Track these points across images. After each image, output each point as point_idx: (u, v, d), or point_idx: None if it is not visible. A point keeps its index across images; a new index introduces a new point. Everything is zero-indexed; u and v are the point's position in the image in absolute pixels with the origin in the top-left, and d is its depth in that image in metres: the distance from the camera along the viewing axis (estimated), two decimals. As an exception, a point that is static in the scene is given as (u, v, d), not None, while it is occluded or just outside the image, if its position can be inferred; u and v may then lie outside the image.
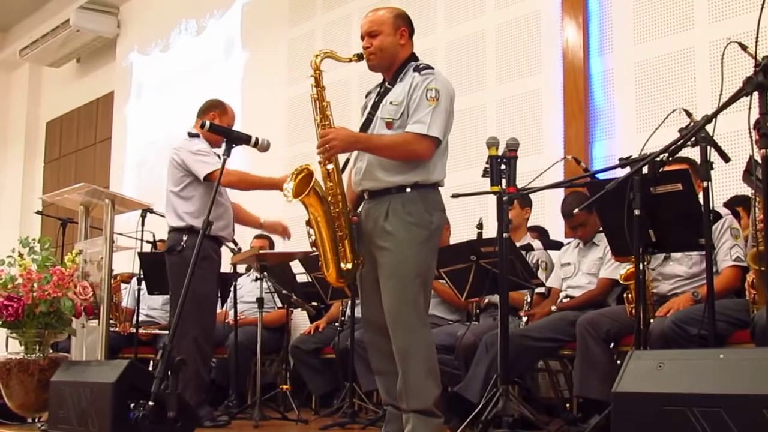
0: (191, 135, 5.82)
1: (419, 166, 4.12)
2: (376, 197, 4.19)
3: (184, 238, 5.60)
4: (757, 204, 3.78)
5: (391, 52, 4.23)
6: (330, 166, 4.13)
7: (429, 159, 4.13)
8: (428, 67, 4.23)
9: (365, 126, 4.27)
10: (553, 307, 5.55)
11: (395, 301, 4.08)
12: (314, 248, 4.24)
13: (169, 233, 5.79)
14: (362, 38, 4.28)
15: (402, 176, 4.12)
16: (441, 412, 4.12)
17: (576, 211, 5.07)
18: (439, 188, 4.26)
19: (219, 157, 4.71)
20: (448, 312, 6.29)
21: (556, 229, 6.55)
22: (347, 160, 4.43)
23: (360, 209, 4.29)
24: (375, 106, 4.28)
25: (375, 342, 4.30)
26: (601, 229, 5.24)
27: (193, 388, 5.50)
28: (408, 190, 4.11)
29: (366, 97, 4.47)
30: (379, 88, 4.37)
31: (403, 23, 4.29)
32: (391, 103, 4.19)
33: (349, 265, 4.14)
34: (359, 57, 4.24)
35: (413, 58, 4.31)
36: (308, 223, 4.18)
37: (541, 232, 6.43)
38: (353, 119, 4.47)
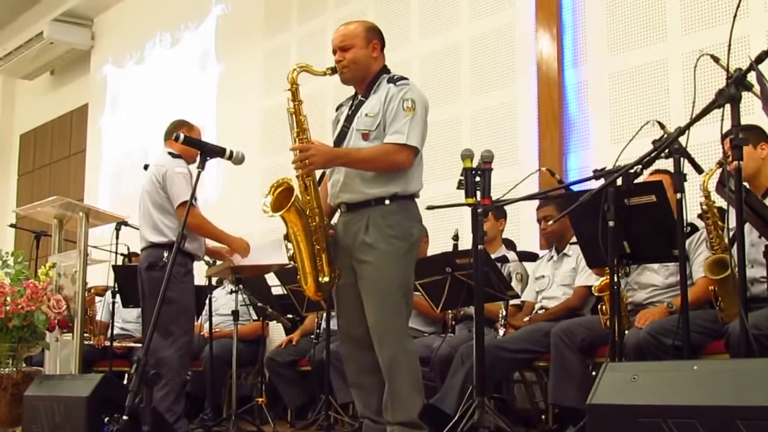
0: (173, 155, 5.78)
1: (397, 177, 4.12)
2: (354, 210, 4.17)
3: (165, 255, 5.55)
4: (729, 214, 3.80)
5: (364, 64, 4.24)
6: (307, 180, 4.10)
7: (408, 168, 4.13)
8: (402, 78, 4.24)
9: (340, 138, 4.26)
10: (526, 319, 5.56)
11: (380, 314, 4.07)
12: (293, 262, 4.22)
13: (147, 249, 5.74)
14: (334, 52, 4.28)
15: (381, 188, 4.11)
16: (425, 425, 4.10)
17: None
18: (416, 199, 4.26)
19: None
20: (424, 324, 6.29)
21: (531, 241, 6.55)
22: (323, 173, 4.41)
23: (336, 222, 4.28)
24: (349, 119, 4.26)
25: (353, 355, 4.29)
26: (573, 240, 5.26)
27: (175, 400, 5.48)
28: (387, 202, 4.11)
29: (337, 110, 4.47)
30: (351, 101, 4.36)
31: (375, 36, 4.30)
32: (366, 115, 4.18)
33: (327, 279, 4.13)
34: (333, 70, 4.23)
35: (385, 70, 4.32)
36: (287, 237, 4.16)
37: (509, 245, 6.38)
38: (327, 132, 4.44)
